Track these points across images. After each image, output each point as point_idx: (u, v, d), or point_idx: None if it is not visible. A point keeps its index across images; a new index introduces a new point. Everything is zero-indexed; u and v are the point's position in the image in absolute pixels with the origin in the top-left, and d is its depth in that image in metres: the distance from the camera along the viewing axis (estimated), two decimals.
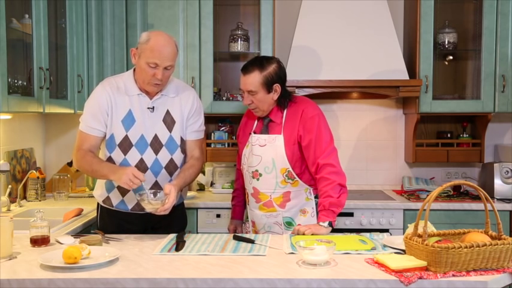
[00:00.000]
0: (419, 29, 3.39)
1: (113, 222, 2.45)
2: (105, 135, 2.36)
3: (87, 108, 2.38)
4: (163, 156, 2.39)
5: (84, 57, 3.14)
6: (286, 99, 2.54)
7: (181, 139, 2.43)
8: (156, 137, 2.37)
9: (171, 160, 2.40)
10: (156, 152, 2.37)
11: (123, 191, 2.41)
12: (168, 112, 2.40)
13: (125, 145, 2.35)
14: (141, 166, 2.35)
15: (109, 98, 2.34)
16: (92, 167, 2.28)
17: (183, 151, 2.45)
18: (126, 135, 2.34)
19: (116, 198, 2.43)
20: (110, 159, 2.37)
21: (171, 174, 2.41)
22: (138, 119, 2.35)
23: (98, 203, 2.53)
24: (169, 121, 2.40)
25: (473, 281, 1.66)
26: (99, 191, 2.49)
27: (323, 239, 1.97)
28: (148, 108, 2.36)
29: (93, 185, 3.56)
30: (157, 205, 2.15)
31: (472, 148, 3.54)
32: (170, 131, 2.40)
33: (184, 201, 2.66)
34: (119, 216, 2.44)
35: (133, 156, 2.35)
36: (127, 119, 2.35)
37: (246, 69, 2.50)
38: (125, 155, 2.35)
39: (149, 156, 2.36)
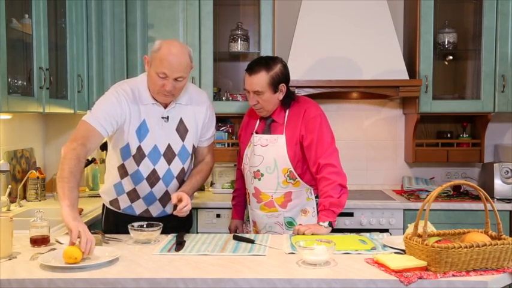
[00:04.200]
0: (419, 29, 3.39)
1: (117, 223, 2.39)
2: (104, 138, 2.28)
3: (103, 106, 2.22)
4: (176, 166, 2.35)
5: (84, 57, 3.14)
6: (289, 99, 2.54)
7: (193, 147, 2.40)
8: (169, 147, 2.32)
9: (182, 169, 2.38)
10: (169, 162, 2.33)
11: (132, 198, 2.38)
12: (181, 121, 2.34)
13: (138, 156, 2.28)
14: (153, 177, 2.32)
15: (128, 108, 2.23)
16: (66, 178, 2.00)
17: (192, 158, 2.44)
18: (140, 146, 2.28)
19: (124, 202, 2.40)
20: (122, 167, 2.32)
21: (181, 182, 2.39)
22: (151, 129, 2.28)
23: (104, 204, 2.52)
24: (182, 130, 2.34)
25: (473, 281, 1.66)
26: (107, 192, 2.45)
27: (323, 239, 1.97)
28: (162, 118, 2.30)
29: (93, 185, 3.57)
30: (150, 236, 2.12)
31: (472, 148, 3.54)
32: (183, 140, 2.35)
33: None
34: (125, 219, 2.37)
35: (145, 167, 2.30)
36: (140, 129, 2.27)
37: (252, 70, 2.48)
38: (137, 166, 2.30)
39: (162, 167, 2.32)
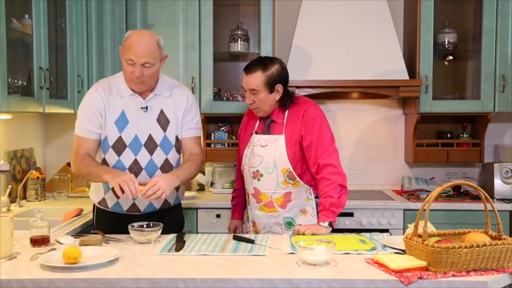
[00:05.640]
0: (419, 29, 3.39)
1: (108, 223, 2.43)
2: (99, 139, 2.35)
3: (81, 111, 2.37)
4: (158, 157, 2.38)
5: (84, 57, 3.14)
6: (288, 100, 2.54)
7: (177, 139, 2.42)
8: (150, 137, 2.36)
9: (166, 160, 2.40)
10: (151, 152, 2.37)
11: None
12: (162, 112, 2.39)
13: (119, 146, 2.34)
14: (135, 167, 2.34)
15: (101, 99, 2.33)
16: (89, 169, 2.27)
17: (178, 151, 2.45)
18: (120, 137, 2.34)
19: (111, 200, 2.42)
20: (104, 161, 2.37)
21: None
22: (131, 120, 2.35)
23: (94, 204, 2.53)
24: (163, 121, 2.39)
25: (473, 281, 1.66)
26: (95, 193, 2.48)
27: (323, 239, 1.97)
28: (141, 108, 2.36)
29: None
30: (150, 236, 2.13)
31: (472, 148, 3.54)
32: (164, 130, 2.39)
33: (185, 201, 2.66)
34: (115, 217, 2.43)
35: (127, 157, 2.34)
36: (120, 120, 2.34)
37: (248, 69, 2.50)
38: (118, 156, 2.34)
39: (143, 157, 2.36)
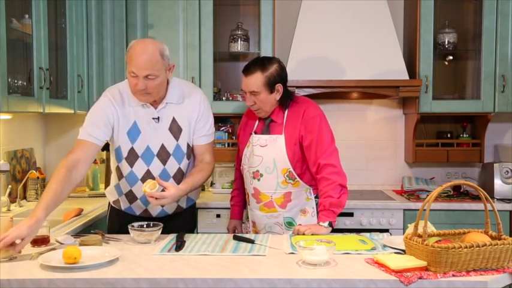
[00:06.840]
0: (419, 29, 3.39)
1: (121, 222, 2.42)
2: (100, 147, 2.29)
3: (89, 117, 2.28)
4: (171, 166, 2.35)
5: (84, 57, 3.14)
6: (287, 99, 2.54)
7: (188, 145, 2.38)
8: (163, 147, 2.32)
9: (179, 169, 2.37)
10: (164, 162, 2.33)
11: (130, 199, 2.41)
12: (174, 120, 2.33)
13: (131, 157, 2.31)
14: (148, 177, 2.30)
15: (115, 110, 2.27)
16: (47, 186, 2.08)
17: (189, 158, 2.41)
18: (132, 148, 2.30)
19: (124, 203, 2.44)
20: (118, 169, 2.36)
21: (178, 182, 2.37)
22: (143, 131, 2.30)
23: (109, 202, 2.55)
24: (175, 129, 2.34)
25: (473, 281, 1.66)
26: (110, 192, 2.50)
27: (323, 239, 1.97)
28: (153, 118, 2.30)
29: (93, 185, 3.57)
30: (150, 236, 2.12)
31: (472, 148, 3.54)
32: (177, 139, 2.34)
33: None
34: (127, 218, 2.41)
35: (139, 168, 2.32)
36: (132, 131, 2.30)
37: (247, 70, 2.49)
38: (131, 167, 2.32)
39: (156, 167, 2.32)
